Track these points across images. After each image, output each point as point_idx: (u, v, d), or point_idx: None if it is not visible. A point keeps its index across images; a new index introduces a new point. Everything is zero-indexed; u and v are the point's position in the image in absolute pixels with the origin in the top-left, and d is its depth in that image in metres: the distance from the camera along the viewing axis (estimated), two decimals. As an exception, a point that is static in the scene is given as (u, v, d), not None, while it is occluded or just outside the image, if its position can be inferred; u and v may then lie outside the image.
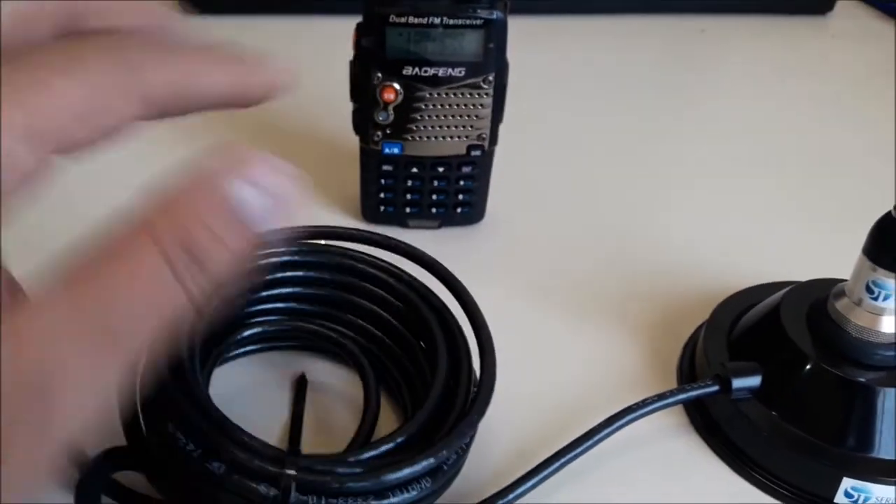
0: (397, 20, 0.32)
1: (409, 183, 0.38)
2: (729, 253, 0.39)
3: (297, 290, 0.31)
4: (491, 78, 0.34)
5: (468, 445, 0.26)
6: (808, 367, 0.28)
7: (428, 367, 0.27)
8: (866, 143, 0.50)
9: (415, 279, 0.30)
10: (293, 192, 0.19)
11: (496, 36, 0.33)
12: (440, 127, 0.36)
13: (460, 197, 0.38)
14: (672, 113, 0.53)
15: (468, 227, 0.40)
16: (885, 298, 0.27)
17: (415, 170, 0.37)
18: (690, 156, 0.48)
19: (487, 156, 0.37)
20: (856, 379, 0.27)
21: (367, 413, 0.28)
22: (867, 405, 0.27)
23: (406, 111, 0.35)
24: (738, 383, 0.28)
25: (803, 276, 0.32)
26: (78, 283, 0.17)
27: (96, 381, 0.17)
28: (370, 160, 0.37)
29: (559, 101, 0.52)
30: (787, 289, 0.30)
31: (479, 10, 0.33)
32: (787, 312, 0.29)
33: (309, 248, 0.31)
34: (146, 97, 0.18)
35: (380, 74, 0.34)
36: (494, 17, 0.33)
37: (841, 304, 0.28)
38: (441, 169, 0.37)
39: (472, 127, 0.36)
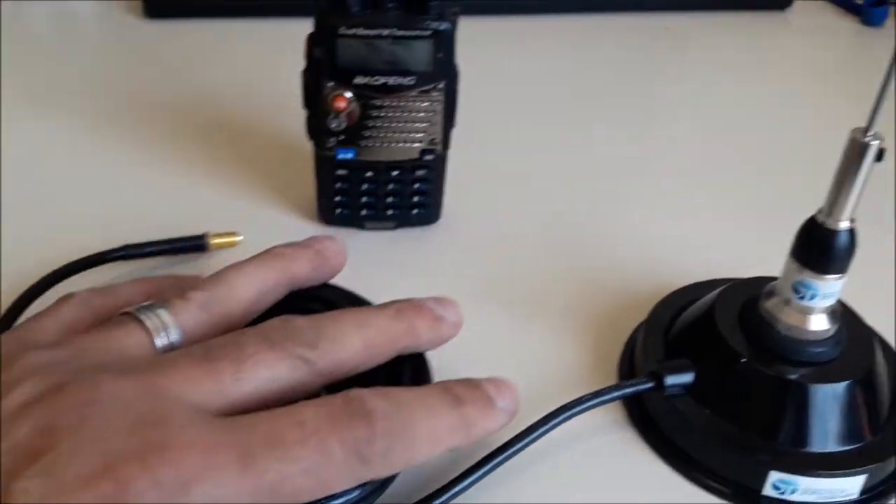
0: (347, 32, 0.33)
1: (364, 187, 0.38)
2: (679, 250, 0.40)
3: None
4: (441, 86, 0.35)
5: None
6: (738, 364, 0.29)
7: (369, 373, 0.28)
8: (823, 140, 0.51)
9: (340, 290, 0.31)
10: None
11: (445, 46, 0.34)
12: (393, 133, 0.36)
13: (415, 199, 0.39)
14: (631, 112, 0.54)
15: (424, 228, 0.41)
16: (812, 298, 0.28)
17: (369, 174, 0.38)
18: (647, 154, 0.49)
19: (441, 159, 0.38)
20: (784, 376, 0.28)
21: None
22: (796, 401, 0.28)
23: (359, 118, 0.36)
24: (670, 380, 0.29)
25: (749, 273, 0.33)
26: (257, 455, 0.21)
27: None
28: (324, 165, 0.38)
29: (517, 101, 0.53)
30: (722, 287, 0.31)
31: (427, 22, 0.34)
32: (720, 311, 0.30)
33: None
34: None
35: (331, 84, 0.35)
36: (442, 27, 0.34)
37: (771, 304, 0.29)
38: (395, 173, 0.38)
39: (424, 132, 0.37)
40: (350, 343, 0.25)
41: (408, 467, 0.24)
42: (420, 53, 0.34)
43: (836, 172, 0.27)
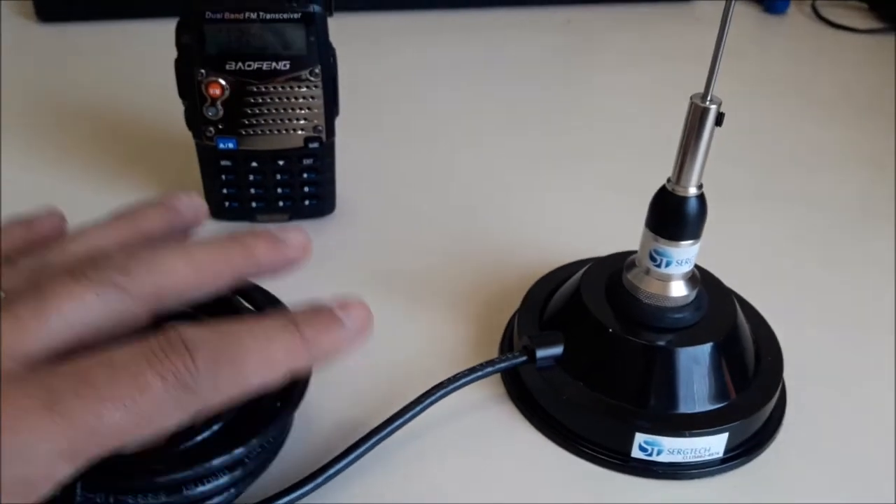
0: (213, 16, 0.33)
1: (251, 177, 0.38)
2: (566, 231, 0.41)
3: None
4: (317, 70, 0.35)
5: (278, 438, 0.27)
6: (605, 335, 0.29)
7: None
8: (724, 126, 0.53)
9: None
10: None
11: (317, 29, 0.34)
12: (273, 120, 0.36)
13: (306, 189, 0.39)
14: (525, 103, 0.54)
15: (320, 219, 0.41)
16: (668, 265, 0.29)
17: (254, 164, 0.38)
18: (536, 143, 0.49)
19: (327, 148, 0.38)
20: (647, 343, 0.29)
21: None
22: (660, 366, 0.29)
23: (236, 106, 0.36)
24: (541, 353, 0.29)
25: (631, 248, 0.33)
26: (63, 398, 0.19)
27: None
28: (207, 156, 0.37)
29: (413, 93, 0.54)
30: (590, 264, 0.32)
31: (296, 5, 0.34)
32: (586, 286, 0.31)
33: None
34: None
35: (203, 71, 0.34)
36: (313, 10, 0.34)
37: (632, 275, 0.30)
38: (281, 162, 0.38)
39: (305, 119, 0.37)
40: (172, 267, 0.23)
41: (247, 392, 0.22)
42: (292, 37, 0.34)
43: (680, 139, 0.27)
